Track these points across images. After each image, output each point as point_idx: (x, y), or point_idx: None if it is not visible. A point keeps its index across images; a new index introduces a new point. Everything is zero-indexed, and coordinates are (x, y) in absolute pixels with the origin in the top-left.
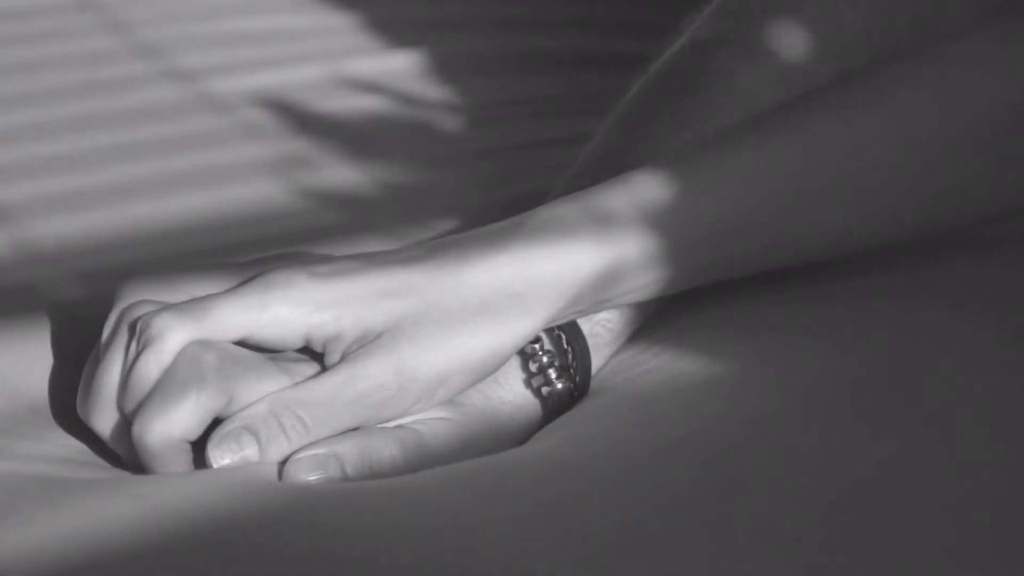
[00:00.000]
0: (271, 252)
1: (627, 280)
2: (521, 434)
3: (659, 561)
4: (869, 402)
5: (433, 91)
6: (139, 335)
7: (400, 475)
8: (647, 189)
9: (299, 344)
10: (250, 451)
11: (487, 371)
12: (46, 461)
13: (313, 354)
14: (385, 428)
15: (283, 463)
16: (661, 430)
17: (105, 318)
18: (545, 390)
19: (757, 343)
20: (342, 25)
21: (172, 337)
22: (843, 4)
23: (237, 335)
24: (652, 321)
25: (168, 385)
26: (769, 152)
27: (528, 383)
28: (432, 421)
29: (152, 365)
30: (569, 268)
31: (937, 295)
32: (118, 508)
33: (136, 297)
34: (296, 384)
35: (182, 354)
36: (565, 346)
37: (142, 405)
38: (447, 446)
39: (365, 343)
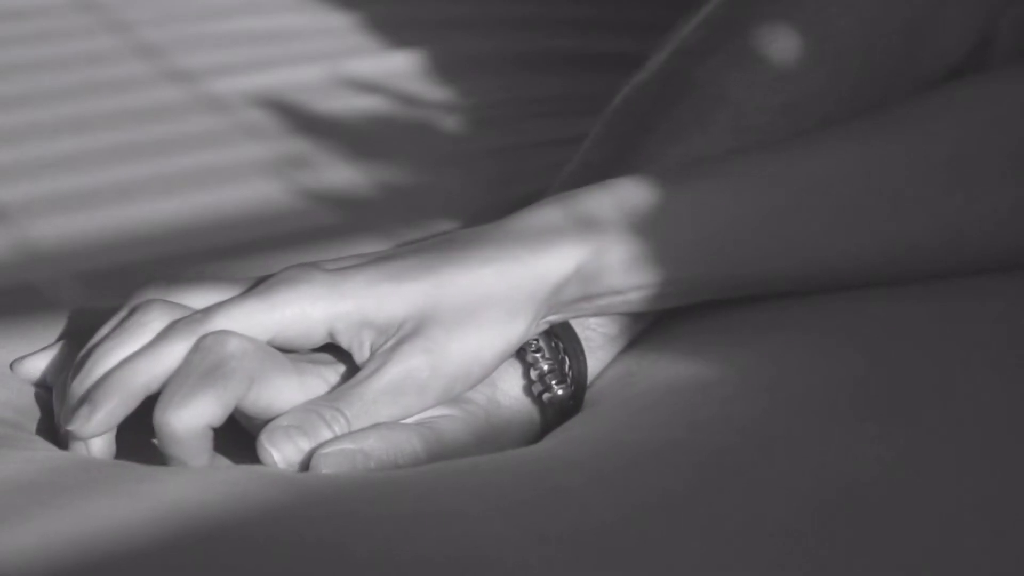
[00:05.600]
0: (278, 269)
1: (610, 279)
2: (519, 437)
3: (652, 558)
4: (868, 402)
5: (433, 91)
6: (159, 340)
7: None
8: (633, 194)
9: (324, 339)
10: (302, 441)
11: (493, 367)
12: (44, 461)
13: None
14: (405, 424)
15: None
16: (657, 432)
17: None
18: (546, 397)
19: (754, 344)
20: (342, 25)
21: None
22: (834, 9)
23: (261, 338)
24: (649, 329)
25: (190, 373)
26: (761, 166)
27: (528, 390)
28: (444, 418)
29: (168, 361)
30: (549, 269)
31: (937, 295)
32: (118, 507)
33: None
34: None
35: (201, 343)
36: (562, 354)
37: (164, 393)
38: (462, 442)
39: (390, 335)
